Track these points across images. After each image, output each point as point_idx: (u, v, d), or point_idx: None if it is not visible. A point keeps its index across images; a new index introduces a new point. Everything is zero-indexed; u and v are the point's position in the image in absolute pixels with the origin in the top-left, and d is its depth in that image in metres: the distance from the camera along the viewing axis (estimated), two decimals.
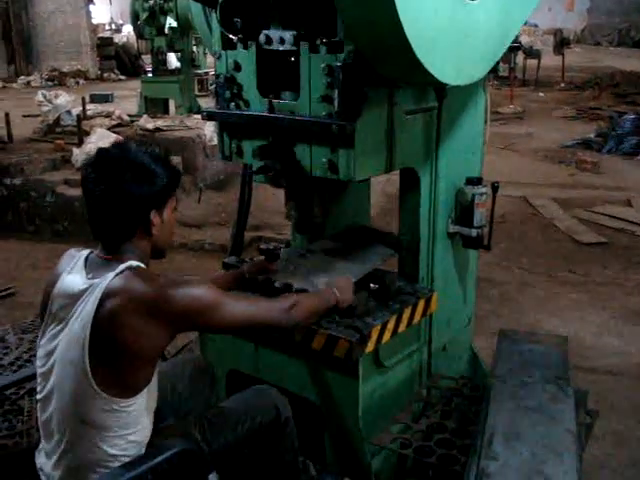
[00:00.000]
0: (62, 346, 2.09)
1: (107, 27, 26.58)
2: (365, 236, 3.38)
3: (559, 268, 6.37)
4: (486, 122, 3.34)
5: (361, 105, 2.53)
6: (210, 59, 18.27)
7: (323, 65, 2.54)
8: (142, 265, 2.14)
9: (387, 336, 2.85)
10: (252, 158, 2.83)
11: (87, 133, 7.97)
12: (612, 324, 5.27)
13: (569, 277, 6.20)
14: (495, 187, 3.20)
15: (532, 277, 6.18)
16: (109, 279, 2.05)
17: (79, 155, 7.23)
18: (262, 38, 2.72)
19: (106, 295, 2.02)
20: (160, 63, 12.25)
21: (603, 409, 3.63)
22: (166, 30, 12.08)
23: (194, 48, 13.03)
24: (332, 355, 2.71)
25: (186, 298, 2.08)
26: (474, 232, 3.19)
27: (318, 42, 2.55)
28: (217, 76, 2.89)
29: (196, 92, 13.51)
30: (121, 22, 27.74)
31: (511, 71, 16.18)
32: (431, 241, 3.15)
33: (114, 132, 8.08)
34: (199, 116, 9.28)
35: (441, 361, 3.35)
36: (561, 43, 18.27)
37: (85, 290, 2.07)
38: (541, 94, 17.03)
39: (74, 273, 2.15)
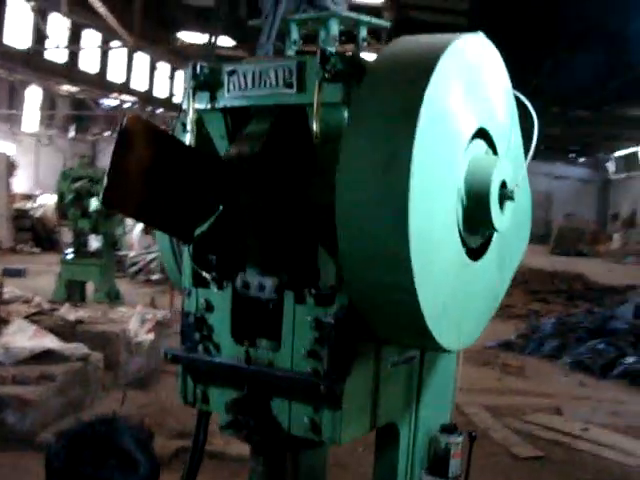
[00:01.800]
0: None
1: (27, 202, 26.01)
2: None
3: None
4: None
5: (351, 363, 2.33)
6: (129, 237, 18.15)
7: (310, 318, 2.35)
8: None
9: None
10: (224, 412, 2.54)
11: (4, 321, 7.48)
12: None
13: None
14: (473, 437, 3.01)
15: None
16: None
17: None
18: (238, 283, 2.53)
19: None
20: (81, 245, 12.00)
21: None
22: (90, 212, 11.96)
23: (117, 231, 12.90)
24: None
25: None
26: None
27: (305, 292, 2.37)
28: (186, 315, 2.65)
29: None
30: (39, 192, 27.20)
31: None
32: None
33: (33, 321, 7.62)
34: (124, 308, 8.98)
35: None
36: None
37: None
38: None
39: None
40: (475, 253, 2.34)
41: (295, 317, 2.39)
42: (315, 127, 2.25)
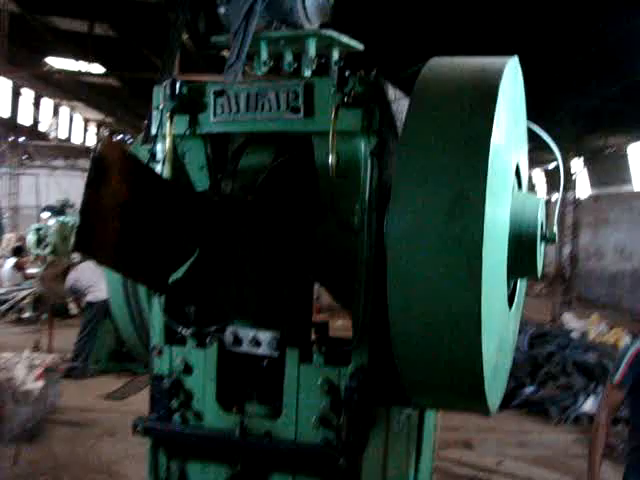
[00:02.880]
0: None
1: None
2: None
3: None
4: None
5: (369, 431, 2.01)
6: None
7: (320, 380, 2.01)
8: None
9: None
10: None
11: None
12: None
13: None
14: None
15: None
16: None
17: None
18: (228, 338, 2.15)
19: None
20: None
21: None
22: None
23: None
24: None
25: None
26: None
27: (314, 349, 2.03)
28: (157, 378, 2.23)
29: None
30: None
31: None
32: None
33: None
34: (6, 354, 8.13)
35: None
36: None
37: None
38: None
39: None
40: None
41: (300, 379, 2.05)
42: (331, 159, 1.94)
